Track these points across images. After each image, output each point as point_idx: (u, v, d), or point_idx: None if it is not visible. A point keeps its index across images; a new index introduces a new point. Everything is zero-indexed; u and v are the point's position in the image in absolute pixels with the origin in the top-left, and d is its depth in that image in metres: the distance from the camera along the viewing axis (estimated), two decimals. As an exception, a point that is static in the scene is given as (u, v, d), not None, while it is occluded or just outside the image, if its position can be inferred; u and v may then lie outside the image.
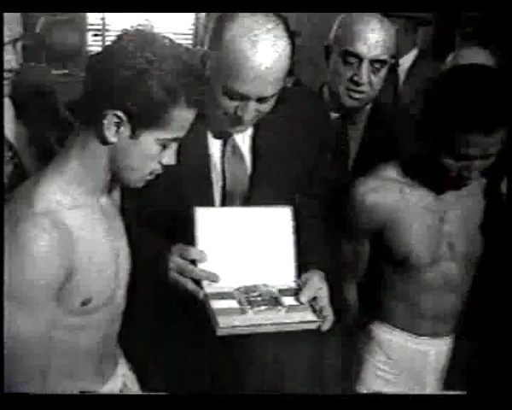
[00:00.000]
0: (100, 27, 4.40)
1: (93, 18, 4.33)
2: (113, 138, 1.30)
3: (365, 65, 1.95)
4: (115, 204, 1.52)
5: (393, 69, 3.14)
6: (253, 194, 1.67)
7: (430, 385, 1.85)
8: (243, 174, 1.67)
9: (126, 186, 1.42)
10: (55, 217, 1.27)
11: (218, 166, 1.66)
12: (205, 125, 1.60)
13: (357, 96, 1.99)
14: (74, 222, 1.31)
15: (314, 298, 1.54)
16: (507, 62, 2.13)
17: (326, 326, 1.51)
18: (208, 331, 1.51)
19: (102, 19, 4.40)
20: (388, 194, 1.74)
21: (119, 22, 4.16)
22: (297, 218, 1.62)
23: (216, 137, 1.65)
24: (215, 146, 1.66)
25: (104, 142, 1.31)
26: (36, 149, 1.67)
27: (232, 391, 1.60)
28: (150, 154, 1.34)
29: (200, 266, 1.52)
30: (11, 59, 1.50)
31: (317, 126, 1.75)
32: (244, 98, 1.51)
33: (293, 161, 1.68)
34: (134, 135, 1.30)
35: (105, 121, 1.28)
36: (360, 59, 1.95)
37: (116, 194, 1.54)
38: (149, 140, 1.31)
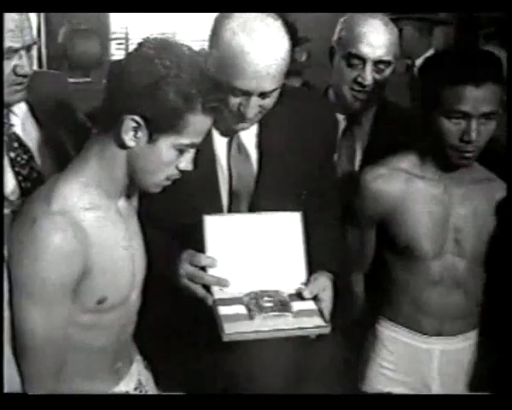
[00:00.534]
0: (123, 36, 4.46)
1: (116, 27, 4.39)
2: (130, 143, 1.33)
3: (369, 66, 1.95)
4: (133, 208, 1.55)
5: (410, 70, 3.13)
6: (260, 193, 1.67)
7: (435, 385, 1.82)
8: (249, 173, 1.68)
9: (144, 191, 1.45)
10: (72, 216, 1.31)
11: (224, 164, 1.67)
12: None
13: (362, 97, 1.99)
14: (91, 223, 1.34)
15: (317, 298, 1.54)
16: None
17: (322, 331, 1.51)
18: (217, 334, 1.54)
19: (125, 28, 4.47)
20: (394, 182, 1.74)
21: (142, 31, 4.21)
22: (306, 220, 1.62)
23: (221, 135, 1.66)
24: (220, 145, 1.67)
25: (122, 146, 1.34)
26: (52, 154, 1.70)
27: (243, 391, 1.61)
28: (167, 158, 1.36)
29: (210, 271, 1.53)
30: (25, 64, 1.55)
31: (323, 126, 1.75)
32: (246, 94, 1.52)
33: (299, 159, 1.67)
34: (151, 140, 1.33)
35: (123, 126, 1.31)
36: (364, 60, 1.95)
37: (135, 199, 1.57)
38: (166, 145, 1.34)
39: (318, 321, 1.50)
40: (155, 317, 1.65)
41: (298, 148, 1.67)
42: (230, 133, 1.66)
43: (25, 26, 1.54)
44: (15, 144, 1.64)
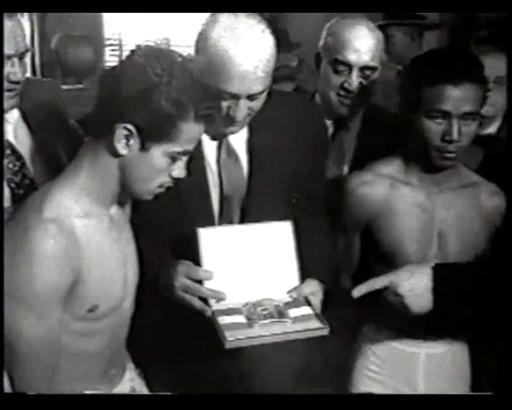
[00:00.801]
0: (117, 42, 4.46)
1: (110, 33, 4.39)
2: (123, 151, 1.33)
3: (355, 72, 1.97)
4: (126, 216, 1.56)
5: (401, 76, 3.14)
6: (251, 197, 1.69)
7: (421, 388, 1.82)
8: (239, 176, 1.69)
9: (136, 198, 1.46)
10: (64, 224, 1.31)
11: (215, 169, 1.68)
12: None
13: (348, 102, 2.01)
14: (83, 230, 1.34)
15: (309, 302, 1.56)
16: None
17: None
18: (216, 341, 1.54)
19: (119, 34, 4.46)
20: (378, 187, 1.75)
21: (136, 38, 4.21)
22: (296, 228, 1.64)
23: (211, 139, 1.67)
24: (210, 149, 1.68)
25: (114, 154, 1.35)
26: (44, 161, 1.71)
27: (236, 392, 1.61)
28: (159, 166, 1.37)
29: (207, 284, 1.54)
30: (17, 71, 1.56)
31: (314, 131, 1.76)
32: (234, 97, 1.53)
33: (290, 163, 1.69)
34: (144, 148, 1.34)
35: (115, 134, 1.31)
36: (350, 67, 1.97)
37: (128, 207, 1.58)
38: (158, 153, 1.35)
39: (317, 324, 1.53)
40: (148, 324, 1.66)
41: (288, 152, 1.68)
42: (220, 137, 1.67)
43: (17, 33, 1.56)
44: (8, 151, 1.66)
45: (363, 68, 1.98)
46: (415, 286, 1.57)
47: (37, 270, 1.27)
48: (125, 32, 4.45)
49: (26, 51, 1.61)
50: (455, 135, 1.62)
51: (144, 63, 1.31)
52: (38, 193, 1.38)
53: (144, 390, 1.63)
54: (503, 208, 1.77)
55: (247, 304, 1.55)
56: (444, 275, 1.60)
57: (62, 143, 1.74)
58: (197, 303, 1.53)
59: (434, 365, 1.82)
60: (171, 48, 1.40)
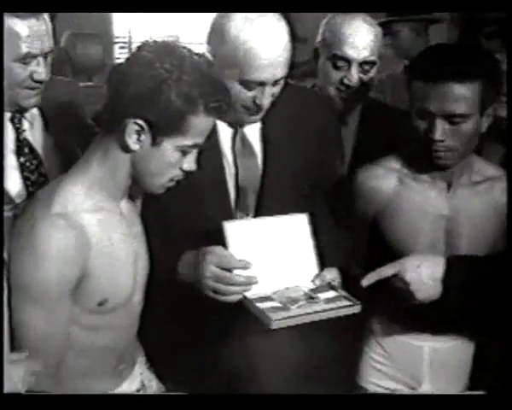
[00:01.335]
0: (126, 40, 4.48)
1: (119, 31, 4.42)
2: (134, 146, 1.34)
3: (354, 68, 1.98)
4: (136, 210, 1.56)
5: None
6: (266, 186, 1.72)
7: (426, 381, 1.82)
8: (254, 166, 1.72)
9: (148, 192, 1.46)
10: (72, 218, 1.32)
11: (230, 158, 1.71)
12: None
13: (348, 97, 2.01)
14: (92, 225, 1.35)
15: (330, 285, 1.62)
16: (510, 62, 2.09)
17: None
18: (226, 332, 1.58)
19: (128, 32, 4.49)
20: (387, 182, 1.74)
21: (145, 35, 4.23)
22: (313, 220, 1.67)
23: (228, 126, 1.70)
24: (225, 138, 1.70)
25: (126, 150, 1.35)
26: (60, 160, 1.72)
27: (246, 389, 1.62)
28: (171, 160, 1.37)
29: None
30: (42, 71, 1.57)
31: (325, 125, 1.79)
32: (261, 85, 1.57)
33: (303, 154, 1.72)
34: (155, 142, 1.34)
35: (126, 130, 1.32)
36: (349, 62, 1.97)
37: (138, 201, 1.58)
38: (170, 147, 1.35)
39: (348, 302, 1.59)
40: (159, 318, 1.67)
41: (301, 144, 1.71)
42: (235, 127, 1.70)
43: (43, 32, 1.57)
44: (26, 150, 1.67)
45: (362, 63, 1.98)
46: (422, 274, 1.56)
47: (46, 265, 1.28)
48: (134, 29, 4.48)
49: (51, 51, 1.62)
50: (435, 135, 1.59)
51: (153, 59, 1.31)
52: (48, 187, 1.39)
53: (154, 384, 1.64)
54: None
55: (276, 292, 1.59)
56: (457, 267, 1.58)
57: (79, 142, 1.75)
58: (234, 289, 1.54)
59: (439, 359, 1.82)
60: (199, 52, 1.41)
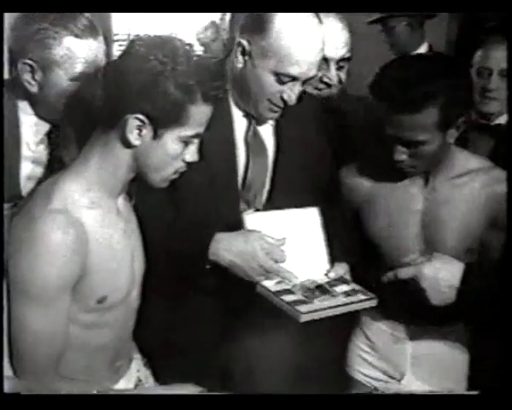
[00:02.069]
0: (125, 38, 4.47)
1: (118, 29, 4.40)
2: (136, 142, 1.34)
3: (333, 66, 2.02)
4: (131, 207, 1.55)
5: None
6: (276, 180, 1.76)
7: (409, 373, 1.84)
8: (263, 161, 1.75)
9: (152, 186, 1.45)
10: (72, 215, 1.31)
11: (242, 148, 1.73)
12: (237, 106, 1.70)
13: (326, 94, 2.05)
14: (91, 221, 1.35)
15: (343, 279, 1.65)
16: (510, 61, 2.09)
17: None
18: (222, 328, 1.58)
19: (128, 29, 4.48)
20: (366, 176, 1.77)
21: (144, 33, 4.21)
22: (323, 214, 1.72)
23: (243, 117, 1.73)
24: (239, 130, 1.73)
25: (127, 145, 1.35)
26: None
27: (242, 387, 1.62)
28: (173, 152, 1.37)
29: None
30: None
31: (332, 128, 1.86)
32: (294, 80, 1.61)
33: (312, 154, 1.77)
34: (156, 136, 1.34)
35: (127, 126, 1.32)
36: (327, 61, 2.00)
37: (132, 199, 1.57)
38: (171, 139, 1.35)
39: (364, 296, 1.62)
40: (155, 314, 1.68)
41: (311, 144, 1.76)
42: (257, 120, 1.72)
43: (101, 52, 1.64)
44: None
45: (338, 61, 2.02)
46: (439, 282, 1.56)
47: (45, 261, 1.27)
48: (133, 27, 4.46)
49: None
50: (395, 157, 1.61)
51: (146, 53, 1.31)
52: (46, 184, 1.38)
53: (150, 381, 1.64)
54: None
55: (295, 285, 1.61)
56: (474, 275, 1.58)
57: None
58: (286, 274, 1.59)
59: (422, 353, 1.83)
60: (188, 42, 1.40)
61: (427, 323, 1.79)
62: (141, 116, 1.31)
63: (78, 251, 1.31)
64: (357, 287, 1.65)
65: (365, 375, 1.92)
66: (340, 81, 2.04)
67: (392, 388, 1.87)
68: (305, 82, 1.64)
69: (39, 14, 1.56)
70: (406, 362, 1.84)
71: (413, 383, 1.84)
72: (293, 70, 1.59)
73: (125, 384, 1.53)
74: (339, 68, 2.03)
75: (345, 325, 1.88)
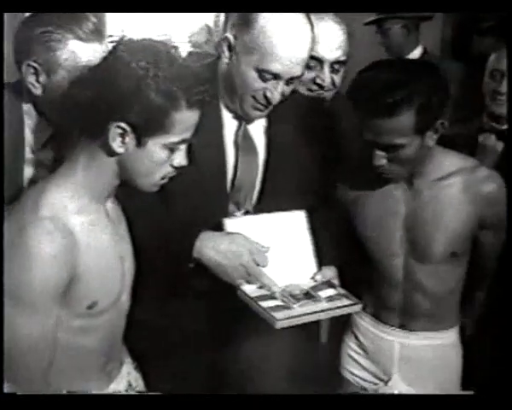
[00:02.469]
0: (119, 39, 4.45)
1: (112, 29, 4.39)
2: (119, 149, 1.32)
3: (327, 68, 1.99)
4: (120, 211, 1.54)
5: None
6: (267, 183, 1.74)
7: (396, 375, 1.84)
8: (253, 161, 1.73)
9: (141, 191, 1.43)
10: (60, 222, 1.30)
11: (232, 150, 1.72)
12: (225, 106, 1.69)
13: (320, 96, 2.02)
14: (80, 227, 1.33)
15: (330, 283, 1.63)
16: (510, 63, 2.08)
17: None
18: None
19: (122, 31, 4.47)
20: (355, 179, 1.77)
21: (138, 33, 4.20)
22: (310, 218, 1.70)
23: (233, 119, 1.72)
24: (229, 131, 1.72)
25: (111, 154, 1.33)
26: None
27: (235, 392, 1.61)
28: (159, 159, 1.35)
29: None
30: None
31: (327, 132, 1.82)
32: (276, 78, 1.59)
33: (304, 157, 1.74)
34: (140, 144, 1.32)
35: (110, 134, 1.30)
36: (321, 62, 1.98)
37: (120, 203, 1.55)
38: (156, 146, 1.33)
39: (348, 301, 1.60)
40: (145, 318, 1.66)
41: (303, 147, 1.74)
42: (246, 121, 1.71)
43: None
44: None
45: (333, 63, 1.99)
46: None
47: (34, 268, 1.26)
48: (127, 27, 4.45)
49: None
50: (374, 161, 1.61)
51: (128, 59, 1.28)
52: (33, 191, 1.36)
53: (140, 384, 1.63)
54: (495, 196, 1.68)
55: (278, 290, 1.59)
56: None
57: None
58: (266, 279, 1.58)
59: (409, 355, 1.82)
60: (174, 44, 1.37)
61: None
62: (123, 124, 1.29)
63: (68, 257, 1.29)
64: (342, 291, 1.63)
65: (355, 375, 1.92)
66: (333, 84, 2.02)
67: (380, 390, 1.87)
68: (289, 81, 1.62)
69: (45, 15, 1.56)
70: (393, 365, 1.84)
71: (400, 386, 1.83)
72: (274, 67, 1.57)
73: (115, 388, 1.52)
74: (333, 71, 2.01)
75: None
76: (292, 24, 1.57)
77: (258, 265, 1.59)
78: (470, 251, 1.77)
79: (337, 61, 2.00)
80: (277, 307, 1.53)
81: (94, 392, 1.45)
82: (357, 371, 1.91)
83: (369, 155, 1.62)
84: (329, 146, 1.83)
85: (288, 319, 1.50)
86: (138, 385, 1.61)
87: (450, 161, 1.71)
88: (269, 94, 1.61)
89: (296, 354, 1.77)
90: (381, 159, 1.60)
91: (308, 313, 1.54)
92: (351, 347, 1.92)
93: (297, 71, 1.61)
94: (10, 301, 1.27)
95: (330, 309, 1.57)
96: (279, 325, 1.49)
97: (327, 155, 1.81)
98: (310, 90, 2.01)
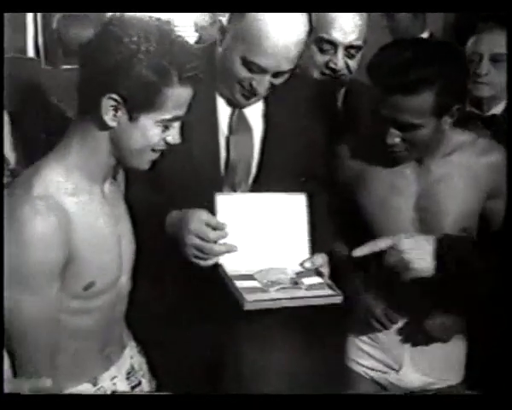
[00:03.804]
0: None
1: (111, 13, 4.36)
2: (111, 123, 1.32)
3: (340, 51, 1.97)
4: (120, 192, 1.55)
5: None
6: (264, 166, 1.72)
7: (407, 364, 1.84)
8: (247, 142, 1.72)
9: (133, 170, 1.44)
10: (53, 201, 1.30)
11: (226, 132, 1.71)
12: (218, 91, 1.67)
13: (332, 80, 1.99)
14: (74, 207, 1.34)
15: (317, 272, 1.60)
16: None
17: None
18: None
19: (120, 14, 4.43)
20: (360, 151, 1.76)
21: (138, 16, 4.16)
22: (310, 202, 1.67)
23: (227, 105, 1.70)
24: (224, 115, 1.71)
25: (104, 127, 1.33)
26: (25, 146, 1.67)
27: (234, 390, 1.61)
28: (152, 136, 1.36)
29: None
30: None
31: (327, 113, 1.82)
32: (262, 71, 1.57)
33: (303, 140, 1.73)
34: (132, 118, 1.32)
35: (102, 106, 1.30)
36: (335, 45, 1.95)
37: (121, 183, 1.59)
38: (149, 123, 1.34)
39: (330, 292, 1.56)
40: (151, 302, 1.68)
41: (302, 130, 1.73)
42: (237, 105, 1.70)
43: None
44: None
45: (348, 47, 1.96)
46: (416, 247, 1.57)
47: (30, 249, 1.27)
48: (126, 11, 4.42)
49: None
50: (387, 140, 1.60)
51: (120, 33, 1.29)
52: (28, 171, 1.36)
53: (144, 368, 1.63)
54: (498, 164, 1.69)
55: (260, 271, 1.57)
56: (447, 243, 1.60)
57: (44, 123, 1.72)
58: (217, 249, 1.54)
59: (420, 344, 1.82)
60: (176, 27, 1.37)
61: (423, 316, 1.78)
62: (114, 96, 1.29)
63: (62, 237, 1.30)
64: (328, 282, 1.61)
65: (362, 365, 1.91)
66: (348, 68, 1.98)
67: (390, 378, 1.87)
68: (278, 74, 1.61)
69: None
70: (404, 354, 1.84)
71: (411, 374, 1.84)
72: (260, 60, 1.56)
73: (116, 371, 1.52)
74: (348, 56, 1.98)
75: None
76: (284, 22, 1.55)
77: (206, 240, 1.54)
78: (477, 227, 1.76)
79: (351, 46, 1.97)
80: (253, 289, 1.51)
81: (93, 375, 1.46)
82: (366, 361, 1.89)
83: (379, 133, 1.62)
84: (332, 127, 1.83)
85: (258, 301, 1.48)
86: (142, 369, 1.62)
87: (454, 137, 1.72)
88: (255, 84, 1.60)
89: (300, 350, 1.76)
90: (394, 137, 1.60)
91: (282, 299, 1.52)
92: (361, 338, 1.90)
93: (284, 66, 1.59)
94: (10, 282, 1.27)
95: (307, 297, 1.54)
96: (247, 306, 1.47)
97: (330, 135, 1.80)
98: (323, 73, 1.99)
